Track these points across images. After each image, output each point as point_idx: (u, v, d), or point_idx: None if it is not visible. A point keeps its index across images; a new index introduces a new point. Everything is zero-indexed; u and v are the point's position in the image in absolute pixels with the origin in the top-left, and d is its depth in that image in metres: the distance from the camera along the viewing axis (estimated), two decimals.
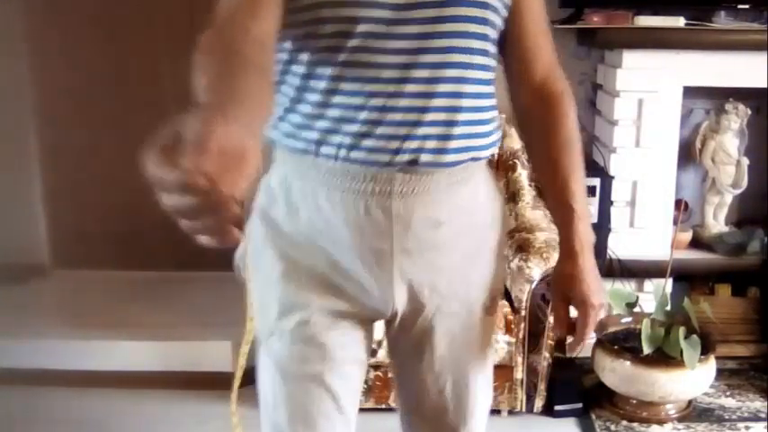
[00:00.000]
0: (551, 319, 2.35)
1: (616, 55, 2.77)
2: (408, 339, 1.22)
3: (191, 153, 0.64)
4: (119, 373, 2.73)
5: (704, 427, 2.46)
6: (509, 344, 2.40)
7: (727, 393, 2.66)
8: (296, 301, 1.15)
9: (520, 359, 2.42)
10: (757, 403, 2.61)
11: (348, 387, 1.19)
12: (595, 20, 2.73)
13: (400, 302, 1.16)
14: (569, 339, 1.24)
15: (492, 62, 1.13)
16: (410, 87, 1.05)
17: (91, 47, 3.30)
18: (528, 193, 2.78)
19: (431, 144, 1.07)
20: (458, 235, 1.15)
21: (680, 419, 2.49)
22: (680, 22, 2.71)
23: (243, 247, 1.22)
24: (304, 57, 1.07)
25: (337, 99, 1.06)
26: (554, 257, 2.36)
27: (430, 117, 1.06)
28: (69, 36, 3.29)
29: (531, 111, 1.22)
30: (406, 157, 1.07)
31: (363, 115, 1.05)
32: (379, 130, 1.06)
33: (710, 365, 2.44)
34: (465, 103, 1.09)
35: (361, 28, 1.03)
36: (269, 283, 1.17)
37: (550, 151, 1.20)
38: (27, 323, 2.94)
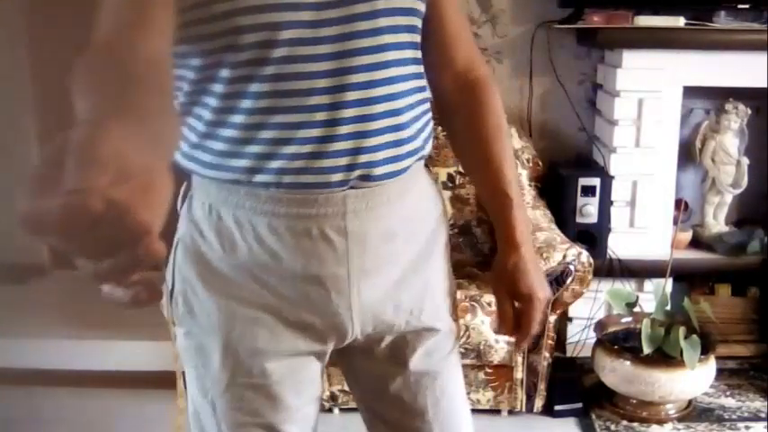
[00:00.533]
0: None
1: (616, 55, 2.77)
2: (376, 365, 1.13)
3: (79, 169, 0.48)
4: (119, 373, 2.73)
5: (704, 427, 2.46)
6: (509, 344, 2.40)
7: (727, 393, 2.66)
8: (241, 348, 1.04)
9: (520, 359, 2.42)
10: (757, 403, 2.61)
11: (306, 429, 1.12)
12: (595, 20, 2.73)
13: (361, 325, 1.06)
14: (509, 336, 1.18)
15: (419, 54, 1.05)
16: (350, 95, 0.95)
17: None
18: (528, 193, 2.78)
19: (384, 153, 0.99)
20: (411, 244, 1.08)
21: (680, 419, 2.49)
22: (680, 22, 2.71)
23: (167, 288, 1.09)
24: (222, 73, 0.94)
25: (270, 118, 0.94)
26: (554, 257, 2.36)
27: (377, 124, 0.97)
28: (69, 36, 3.29)
29: (454, 98, 1.14)
30: (358, 173, 0.98)
31: (303, 133, 0.94)
32: (325, 148, 0.95)
33: (710, 365, 2.44)
34: (406, 101, 1.01)
35: (286, 34, 0.91)
36: (207, 329, 1.05)
37: (480, 139, 1.13)
38: (27, 323, 2.93)
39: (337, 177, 0.97)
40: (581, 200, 2.74)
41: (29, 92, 3.36)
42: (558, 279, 2.37)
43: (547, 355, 2.44)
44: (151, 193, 0.51)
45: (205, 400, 1.10)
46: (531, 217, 2.61)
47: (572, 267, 2.37)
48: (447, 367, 1.16)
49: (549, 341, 2.43)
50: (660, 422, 2.47)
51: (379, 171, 0.99)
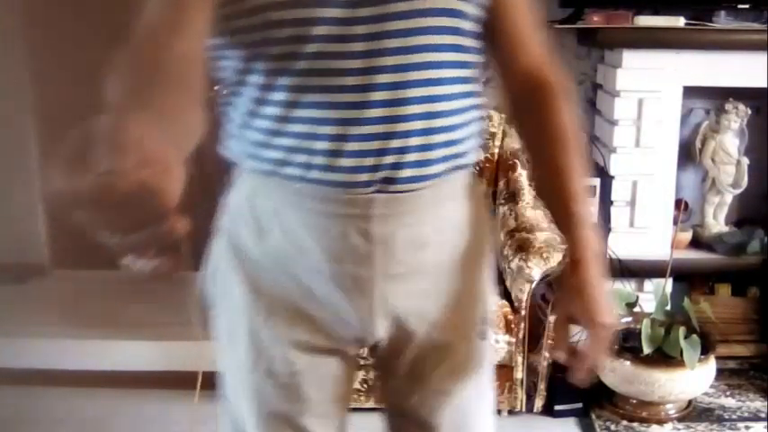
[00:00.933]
0: (549, 334, 2.34)
1: (616, 55, 2.77)
2: (398, 368, 1.12)
3: (109, 153, 0.52)
4: (119, 373, 2.73)
5: (704, 427, 2.46)
6: (509, 344, 2.40)
7: (727, 393, 2.66)
8: (266, 336, 1.05)
9: (520, 359, 2.42)
10: (757, 403, 2.60)
11: (327, 426, 1.11)
12: (595, 20, 2.73)
13: (383, 332, 1.06)
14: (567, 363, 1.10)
15: (471, 57, 1.02)
16: (377, 95, 0.94)
17: (91, 47, 3.29)
18: (528, 193, 2.78)
19: (410, 157, 0.97)
20: (444, 255, 1.06)
21: (680, 419, 2.49)
22: (680, 22, 2.71)
23: (205, 272, 1.12)
24: (257, 66, 0.96)
25: (298, 112, 0.95)
26: (554, 257, 2.36)
27: (404, 126, 0.96)
28: (69, 36, 3.28)
29: (519, 103, 1.11)
30: (383, 174, 0.97)
31: (328, 129, 0.95)
32: (349, 146, 0.95)
33: (710, 365, 2.44)
34: (442, 106, 0.98)
35: (317, 30, 0.92)
36: (236, 312, 1.07)
37: (545, 148, 1.08)
38: (27, 323, 2.93)
39: (361, 177, 0.97)
40: None
41: (28, 92, 3.36)
42: (558, 279, 2.37)
43: (547, 355, 2.44)
44: (170, 177, 0.55)
45: (233, 381, 1.12)
46: (531, 216, 2.61)
47: None
48: (470, 389, 1.13)
49: (549, 341, 2.43)
50: (660, 422, 2.47)
51: (404, 174, 0.98)
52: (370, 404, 2.36)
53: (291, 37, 0.93)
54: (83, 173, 0.51)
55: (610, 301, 1.06)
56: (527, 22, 1.09)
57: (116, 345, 2.78)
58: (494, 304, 1.20)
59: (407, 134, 0.96)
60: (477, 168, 1.01)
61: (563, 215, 1.07)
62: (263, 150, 0.99)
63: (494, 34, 1.06)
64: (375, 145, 0.96)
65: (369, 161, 0.96)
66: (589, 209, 1.12)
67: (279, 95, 0.96)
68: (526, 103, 1.10)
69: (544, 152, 1.09)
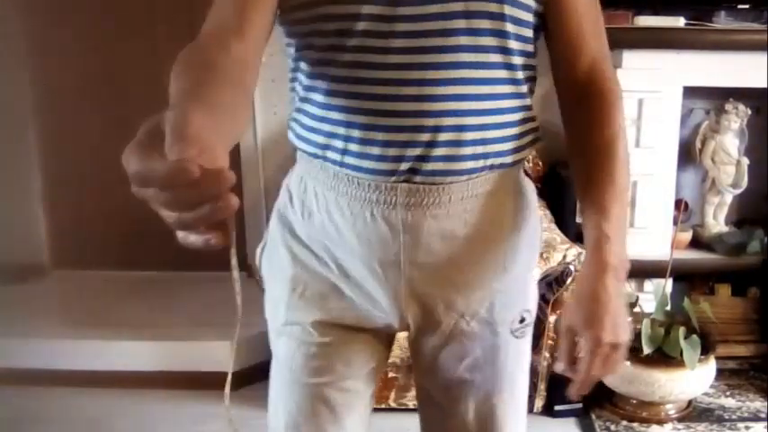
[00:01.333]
0: (549, 334, 2.34)
1: (616, 55, 2.77)
2: (427, 354, 1.15)
3: (173, 143, 0.61)
4: (119, 373, 2.73)
5: (704, 427, 2.46)
6: None
7: (727, 393, 2.66)
8: (302, 309, 1.12)
9: None
10: (757, 403, 2.61)
11: (349, 401, 1.15)
12: None
13: (412, 317, 1.11)
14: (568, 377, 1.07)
15: (518, 60, 1.02)
16: (408, 90, 0.98)
17: (91, 48, 3.29)
18: None
19: (438, 151, 1.00)
20: (478, 249, 1.08)
21: (680, 419, 2.49)
22: (680, 22, 2.71)
23: (261, 245, 1.22)
24: (311, 54, 1.04)
25: (338, 101, 1.02)
26: (554, 257, 2.36)
27: (432, 122, 0.99)
28: (69, 37, 3.29)
29: (568, 107, 1.11)
30: (407, 165, 1.01)
31: (361, 119, 1.01)
32: (378, 136, 1.00)
33: (710, 365, 2.44)
34: (475, 105, 1.00)
35: (360, 26, 0.98)
36: (280, 282, 1.15)
37: (585, 157, 1.08)
38: (27, 323, 2.93)
39: (385, 166, 1.01)
40: None
41: (29, 92, 3.36)
42: (558, 279, 2.37)
43: (547, 355, 2.44)
44: (224, 162, 0.65)
45: (274, 348, 1.18)
46: None
47: (572, 267, 2.37)
48: (501, 386, 1.16)
49: (549, 341, 2.43)
50: (660, 422, 2.47)
51: (429, 167, 1.01)
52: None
53: (337, 30, 0.99)
54: (154, 158, 0.61)
55: (621, 321, 1.02)
56: (585, 28, 1.08)
57: (116, 345, 2.78)
58: (534, 307, 1.19)
59: (437, 129, 1.00)
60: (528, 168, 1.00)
61: (590, 227, 1.05)
62: (311, 134, 1.06)
63: (550, 37, 1.08)
64: (402, 137, 1.00)
65: (393, 151, 1.01)
66: (622, 225, 1.08)
67: (324, 84, 1.03)
68: (575, 109, 1.10)
69: (584, 161, 1.09)
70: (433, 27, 0.98)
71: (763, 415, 2.53)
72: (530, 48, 1.04)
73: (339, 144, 1.03)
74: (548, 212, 2.72)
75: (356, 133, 1.01)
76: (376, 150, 1.01)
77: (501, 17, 0.99)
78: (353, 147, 1.02)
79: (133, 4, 3.27)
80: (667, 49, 2.71)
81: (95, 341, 2.79)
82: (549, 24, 1.07)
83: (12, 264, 3.25)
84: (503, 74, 1.02)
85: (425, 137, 1.00)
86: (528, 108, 1.08)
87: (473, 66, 0.99)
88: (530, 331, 1.19)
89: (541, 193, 2.84)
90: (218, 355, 2.66)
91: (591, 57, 1.08)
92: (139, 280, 3.33)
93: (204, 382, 2.65)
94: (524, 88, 1.06)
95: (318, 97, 1.04)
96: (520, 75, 1.04)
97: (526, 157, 1.10)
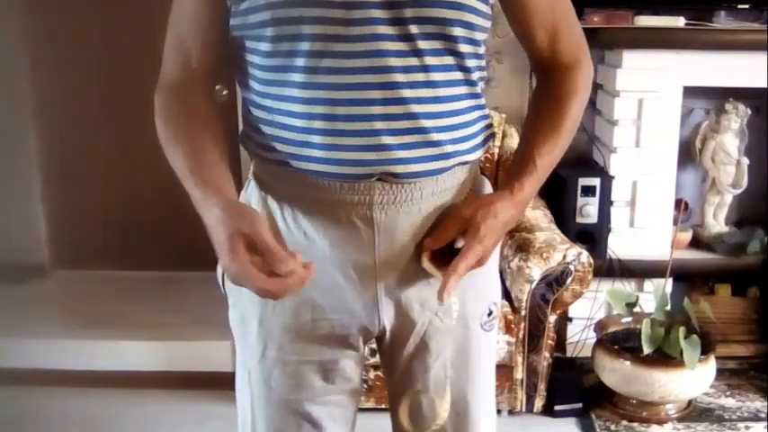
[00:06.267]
0: (549, 334, 2.33)
1: (616, 55, 2.77)
2: (402, 358, 1.15)
3: (276, 262, 0.91)
4: (119, 373, 2.73)
5: (704, 427, 2.46)
6: (509, 344, 2.40)
7: (727, 393, 2.66)
8: (273, 323, 1.10)
9: (520, 359, 2.42)
10: (757, 403, 2.61)
11: (333, 413, 1.15)
12: (595, 20, 2.73)
13: (388, 319, 1.10)
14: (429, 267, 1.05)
15: (472, 61, 1.04)
16: (372, 94, 0.98)
17: (91, 47, 3.29)
18: None
19: (408, 153, 1.01)
20: (447, 244, 1.07)
21: (680, 419, 2.49)
22: (680, 22, 2.71)
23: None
24: (262, 62, 1.02)
25: (301, 108, 1.00)
26: (554, 257, 2.36)
27: (400, 124, 0.99)
28: (69, 37, 3.29)
29: (537, 75, 1.16)
30: (381, 169, 1.01)
31: (328, 125, 0.99)
32: (348, 141, 0.99)
33: (710, 365, 2.44)
34: (445, 107, 1.02)
35: (314, 29, 0.96)
36: (248, 301, 1.11)
37: (534, 125, 1.11)
38: (27, 323, 2.93)
39: (359, 171, 1.00)
40: (581, 200, 2.74)
41: (29, 92, 3.36)
42: (558, 279, 2.37)
43: (547, 355, 2.44)
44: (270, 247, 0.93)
45: (243, 369, 1.16)
46: (531, 217, 2.61)
47: (572, 267, 2.37)
48: (471, 381, 1.17)
49: (549, 341, 2.43)
50: (660, 422, 2.47)
51: (400, 170, 1.01)
52: (371, 404, 2.36)
53: (286, 36, 0.97)
54: (257, 267, 0.92)
55: (498, 239, 1.06)
56: (537, 2, 1.09)
57: (116, 345, 2.79)
58: (500, 299, 1.23)
59: (402, 132, 1.00)
60: (482, 164, 1.03)
61: (523, 156, 1.09)
62: (272, 142, 1.05)
63: (508, 10, 1.10)
64: (370, 141, 0.99)
65: (363, 155, 1.00)
66: (547, 173, 1.11)
67: (282, 91, 1.01)
68: (540, 77, 1.15)
69: (532, 129, 1.12)
70: (385, 32, 0.97)
71: (763, 415, 2.53)
72: (480, 50, 1.06)
73: (305, 152, 1.02)
74: (547, 212, 2.72)
75: (320, 139, 1.00)
76: (344, 155, 1.00)
77: (447, 22, 0.99)
78: (321, 153, 1.00)
79: (133, 3, 3.27)
80: (667, 49, 2.71)
81: (95, 341, 2.79)
82: (502, 5, 1.09)
83: (12, 264, 3.25)
84: (459, 75, 1.03)
85: (391, 140, 1.00)
86: (481, 107, 1.10)
87: (436, 69, 1.00)
88: (496, 324, 1.21)
89: (541, 193, 2.85)
90: (218, 355, 2.66)
91: (549, 30, 1.10)
92: (139, 280, 3.33)
93: (204, 382, 2.66)
94: (478, 88, 1.09)
95: (280, 106, 1.02)
96: (474, 76, 1.06)
97: (484, 153, 1.13)
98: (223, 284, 1.17)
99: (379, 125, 0.99)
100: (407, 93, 0.99)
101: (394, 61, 0.98)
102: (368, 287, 1.07)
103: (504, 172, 1.13)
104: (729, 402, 2.61)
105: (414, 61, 0.99)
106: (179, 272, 3.26)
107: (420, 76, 0.99)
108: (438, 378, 1.14)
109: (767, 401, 2.61)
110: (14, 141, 3.36)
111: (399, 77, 0.98)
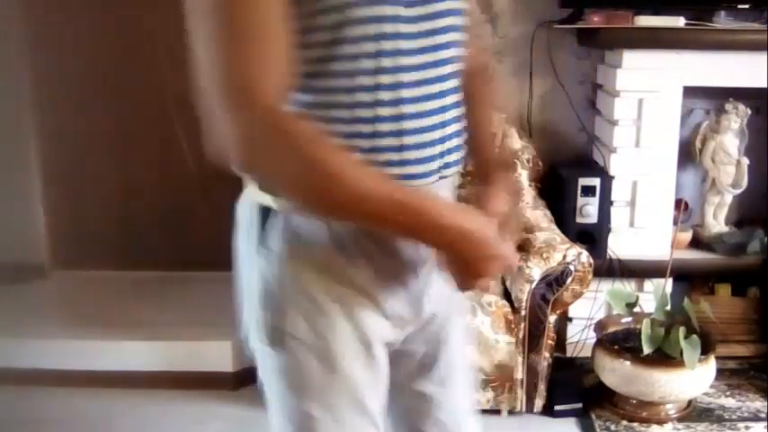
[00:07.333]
0: (549, 334, 2.33)
1: (616, 55, 2.77)
2: (415, 352, 1.16)
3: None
4: (119, 373, 2.73)
5: (704, 427, 2.46)
6: (509, 344, 2.40)
7: (727, 393, 2.66)
8: (331, 315, 1.03)
9: (520, 359, 2.42)
10: (757, 403, 2.61)
11: (379, 414, 1.11)
12: (595, 20, 2.73)
13: (428, 312, 1.12)
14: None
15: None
16: (433, 88, 1.01)
17: (91, 47, 3.29)
18: (528, 193, 2.79)
19: (455, 142, 1.06)
20: None
21: (680, 419, 2.49)
22: (680, 22, 2.71)
23: (257, 272, 1.11)
24: (335, 65, 0.95)
25: (372, 112, 0.98)
26: (554, 257, 2.36)
27: (449, 114, 1.04)
28: (70, 36, 3.28)
29: (467, 83, 1.16)
30: (443, 161, 1.04)
31: (402, 125, 0.98)
32: (424, 138, 1.00)
33: (710, 365, 2.44)
34: (457, 98, 1.07)
35: (391, 28, 0.95)
36: (319, 306, 1.03)
37: (475, 114, 1.18)
38: (27, 323, 2.93)
39: (434, 166, 1.03)
40: (581, 200, 2.75)
41: (29, 92, 3.36)
42: (558, 279, 2.37)
43: (547, 355, 2.44)
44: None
45: (313, 379, 1.05)
46: (531, 217, 2.61)
47: (572, 267, 2.37)
48: (459, 365, 1.22)
49: (549, 341, 2.43)
50: (660, 422, 2.47)
51: (453, 158, 1.06)
52: None
53: (365, 36, 0.94)
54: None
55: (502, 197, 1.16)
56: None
57: (116, 345, 2.78)
58: None
59: (451, 122, 1.05)
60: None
61: (476, 144, 1.18)
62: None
63: None
64: (437, 134, 1.02)
65: (437, 149, 1.02)
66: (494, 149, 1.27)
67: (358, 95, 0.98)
68: (470, 84, 1.16)
69: (473, 118, 1.17)
70: (439, 25, 1.01)
71: (763, 415, 2.53)
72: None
73: (383, 157, 0.98)
74: (547, 212, 2.72)
75: (397, 141, 0.98)
76: (425, 152, 1.01)
77: (461, 12, 1.05)
78: (396, 156, 0.99)
79: (134, 3, 3.27)
80: (667, 49, 2.71)
81: (95, 341, 2.79)
82: None
83: (12, 264, 3.25)
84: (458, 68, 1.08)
85: (448, 130, 1.04)
86: None
87: (453, 61, 1.05)
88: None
89: (541, 193, 2.85)
90: (219, 355, 2.66)
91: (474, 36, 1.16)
92: (139, 280, 3.33)
93: (204, 382, 2.66)
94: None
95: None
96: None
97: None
98: (270, 339, 1.05)
99: (437, 118, 1.03)
100: (448, 84, 1.04)
101: (442, 54, 1.02)
102: (418, 279, 1.09)
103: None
104: (729, 402, 2.61)
105: (449, 53, 1.04)
106: (179, 272, 3.26)
107: (451, 68, 1.04)
108: (447, 366, 1.20)
109: (767, 401, 2.61)
110: (14, 141, 3.36)
111: (447, 69, 1.03)
